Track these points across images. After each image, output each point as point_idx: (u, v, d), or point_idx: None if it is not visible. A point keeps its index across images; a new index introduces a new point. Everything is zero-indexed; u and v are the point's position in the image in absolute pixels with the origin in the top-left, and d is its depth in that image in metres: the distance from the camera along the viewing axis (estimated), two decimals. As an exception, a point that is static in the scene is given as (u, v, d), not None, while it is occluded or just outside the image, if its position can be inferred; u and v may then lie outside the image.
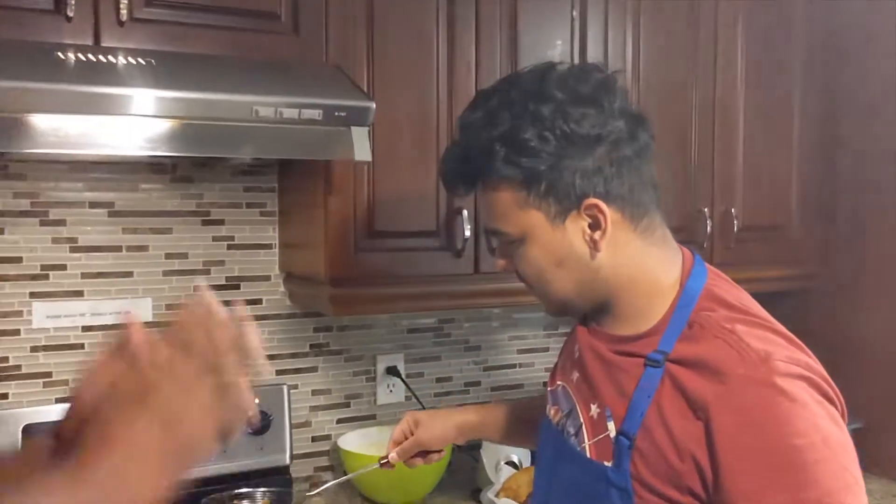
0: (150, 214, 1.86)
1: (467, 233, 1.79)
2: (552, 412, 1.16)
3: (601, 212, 1.00)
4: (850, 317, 2.27)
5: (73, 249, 1.80)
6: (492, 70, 1.83)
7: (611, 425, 1.01)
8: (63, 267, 1.79)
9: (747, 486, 0.89)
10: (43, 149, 1.33)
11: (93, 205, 1.81)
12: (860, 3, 2.23)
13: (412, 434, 1.37)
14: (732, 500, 0.90)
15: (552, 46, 1.90)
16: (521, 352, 2.32)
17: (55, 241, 1.78)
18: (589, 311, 1.09)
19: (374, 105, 1.49)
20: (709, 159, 2.13)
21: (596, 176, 1.00)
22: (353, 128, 1.46)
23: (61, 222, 1.79)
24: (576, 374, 1.11)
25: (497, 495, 1.81)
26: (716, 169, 2.14)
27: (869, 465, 2.19)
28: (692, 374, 0.94)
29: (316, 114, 1.41)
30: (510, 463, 1.94)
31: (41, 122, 1.31)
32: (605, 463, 1.00)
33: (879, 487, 2.11)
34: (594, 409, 1.05)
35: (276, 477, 1.90)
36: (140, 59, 1.40)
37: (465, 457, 2.08)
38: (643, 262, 1.04)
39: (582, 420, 1.06)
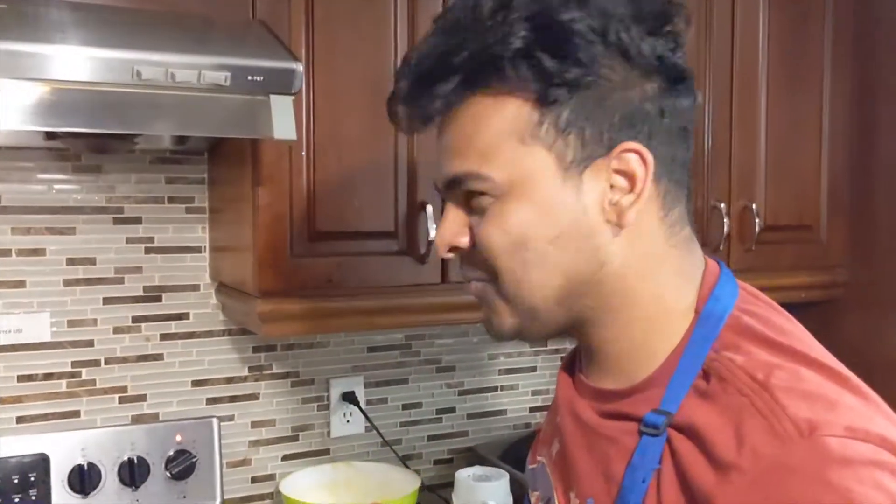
0: (47, 211, 1.53)
1: (432, 233, 1.45)
2: (533, 500, 0.85)
3: (644, 162, 0.68)
4: (885, 330, 1.94)
5: (-52, 254, 1.47)
6: (463, 34, 1.49)
7: None
8: (-66, 275, 1.46)
9: None
10: None
11: (-27, 199, 1.48)
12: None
13: None
14: None
15: (537, 7, 1.57)
16: (503, 372, 1.98)
17: (-76, 243, 1.45)
18: (552, 335, 0.76)
19: (300, 67, 1.15)
20: (726, 147, 1.79)
21: (641, 121, 0.69)
22: (272, 96, 1.12)
23: (-68, 220, 1.45)
24: (556, 446, 0.81)
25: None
26: (733, 158, 1.80)
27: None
28: (697, 453, 0.63)
29: (221, 77, 1.07)
30: (486, 510, 1.61)
31: None
32: None
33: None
34: (573, 499, 0.75)
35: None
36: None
37: (434, 497, 1.75)
38: (658, 267, 0.72)
39: None
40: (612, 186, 0.69)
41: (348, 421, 1.80)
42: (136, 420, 1.60)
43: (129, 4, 1.25)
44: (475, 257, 0.73)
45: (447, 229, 0.74)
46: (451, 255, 0.77)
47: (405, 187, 1.47)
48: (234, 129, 1.14)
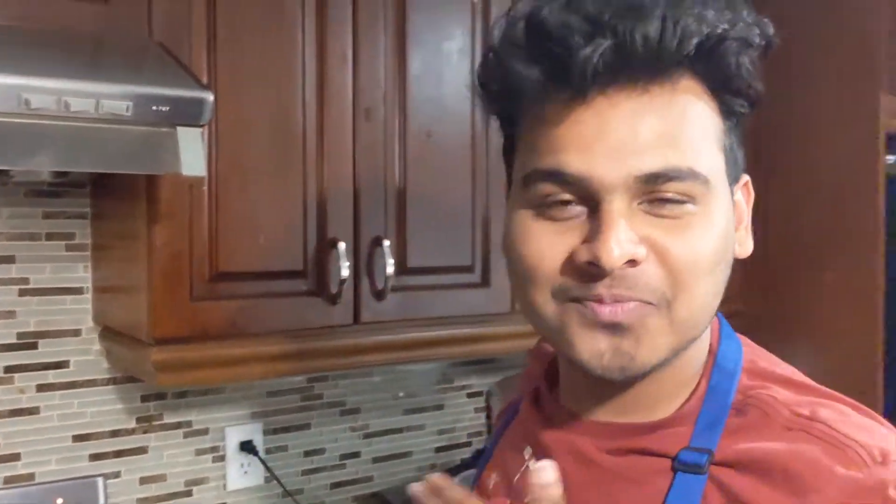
0: None
1: (344, 272, 1.37)
2: None
3: (749, 195, 0.69)
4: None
5: None
6: (373, 64, 1.43)
7: None
8: None
9: None
10: None
11: None
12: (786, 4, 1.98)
13: None
14: None
15: (449, 37, 1.52)
16: (408, 412, 1.91)
17: None
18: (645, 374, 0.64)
19: (210, 96, 1.05)
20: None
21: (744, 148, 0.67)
22: (179, 128, 1.01)
23: None
24: None
25: None
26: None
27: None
28: (762, 485, 0.58)
29: (123, 106, 0.96)
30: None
31: None
32: None
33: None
34: None
35: None
36: None
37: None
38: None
39: None
40: (735, 210, 0.67)
41: (246, 472, 1.68)
42: (9, 481, 1.43)
43: (9, 22, 1.11)
44: (644, 274, 0.59)
45: (625, 236, 0.58)
46: (631, 264, 0.59)
47: (315, 223, 1.39)
48: (136, 165, 1.02)
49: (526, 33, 0.60)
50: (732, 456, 0.60)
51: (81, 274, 1.50)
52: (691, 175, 0.59)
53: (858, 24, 1.83)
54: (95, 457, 1.52)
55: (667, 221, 0.59)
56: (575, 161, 0.59)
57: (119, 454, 1.54)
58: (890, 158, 1.90)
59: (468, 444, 1.98)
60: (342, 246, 1.38)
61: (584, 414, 0.69)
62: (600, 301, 0.59)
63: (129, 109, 0.96)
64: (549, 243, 0.61)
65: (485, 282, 1.57)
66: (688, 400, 0.66)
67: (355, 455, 1.83)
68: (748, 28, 0.60)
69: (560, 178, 0.60)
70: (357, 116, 1.42)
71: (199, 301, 1.28)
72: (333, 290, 1.39)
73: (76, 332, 1.50)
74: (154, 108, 0.97)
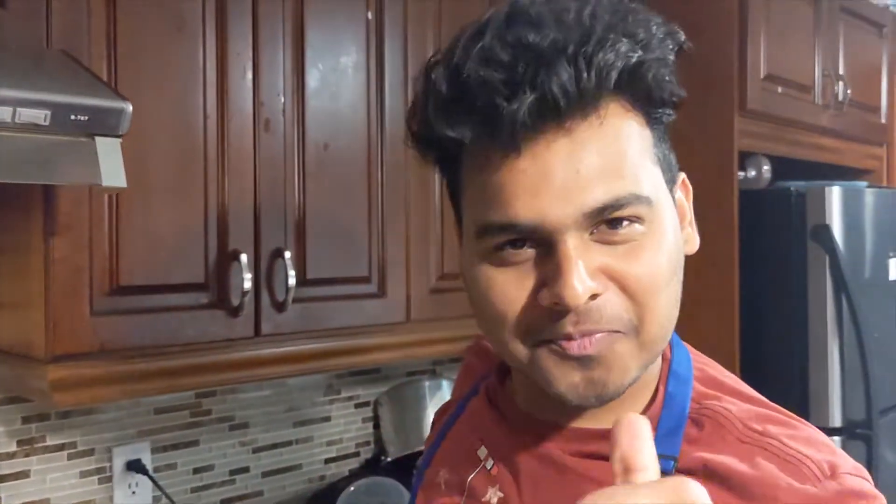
0: None
1: (247, 284, 1.37)
2: None
3: (687, 192, 0.71)
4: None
5: None
6: (274, 75, 1.44)
7: None
8: None
9: None
10: None
11: None
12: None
13: None
14: None
15: (345, 53, 1.55)
16: (298, 424, 1.90)
17: None
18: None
19: (129, 107, 1.04)
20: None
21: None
22: (98, 139, 0.99)
23: None
24: (494, 496, 0.71)
25: None
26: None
27: None
28: (723, 492, 0.61)
29: (40, 115, 0.93)
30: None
31: None
32: None
33: None
34: None
35: None
36: None
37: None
38: None
39: None
40: (678, 214, 0.68)
41: (134, 492, 1.62)
42: None
43: None
44: (608, 304, 0.61)
45: (586, 272, 0.60)
46: (594, 298, 0.61)
47: (215, 235, 1.37)
48: (56, 176, 0.99)
49: (449, 92, 0.62)
50: (692, 464, 0.63)
51: (-43, 290, 1.41)
52: (635, 199, 0.61)
53: (713, 49, 2.00)
54: (-28, 484, 1.43)
55: (620, 248, 0.61)
56: (524, 210, 0.60)
57: (1, 479, 1.46)
58: (741, 174, 2.09)
59: (356, 454, 2.00)
60: (244, 258, 1.37)
61: (546, 417, 0.70)
62: (569, 338, 0.61)
63: (46, 118, 0.93)
64: (513, 290, 0.63)
65: (381, 292, 1.60)
66: (649, 406, 0.69)
67: (245, 470, 1.80)
68: (661, 44, 0.62)
69: (514, 229, 0.61)
70: (257, 128, 1.42)
71: (99, 316, 1.24)
72: (235, 302, 1.38)
73: (-50, 352, 1.41)
74: (73, 117, 0.95)
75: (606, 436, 0.61)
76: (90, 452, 1.57)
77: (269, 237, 1.43)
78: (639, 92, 0.63)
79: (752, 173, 2.10)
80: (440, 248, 1.69)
